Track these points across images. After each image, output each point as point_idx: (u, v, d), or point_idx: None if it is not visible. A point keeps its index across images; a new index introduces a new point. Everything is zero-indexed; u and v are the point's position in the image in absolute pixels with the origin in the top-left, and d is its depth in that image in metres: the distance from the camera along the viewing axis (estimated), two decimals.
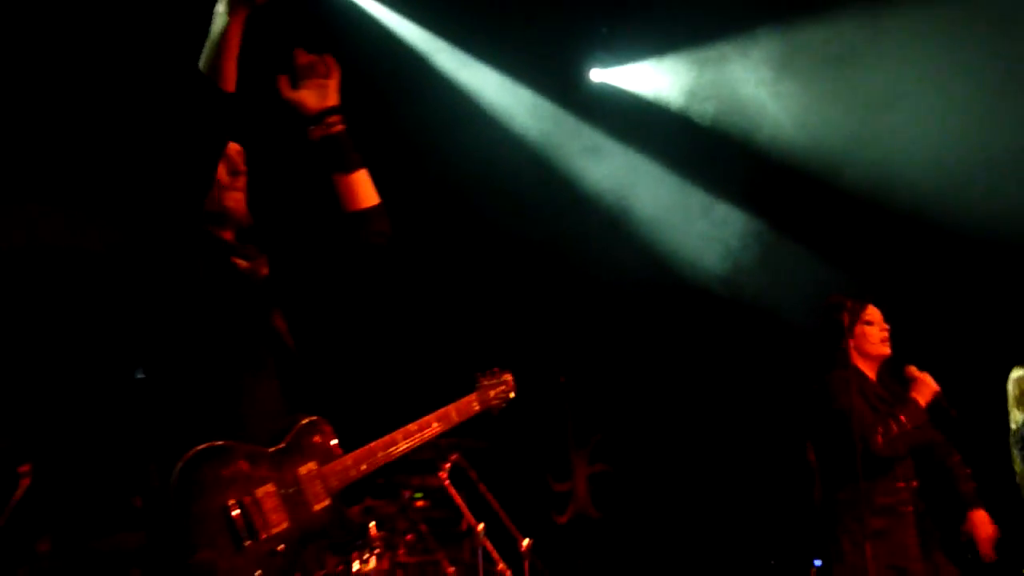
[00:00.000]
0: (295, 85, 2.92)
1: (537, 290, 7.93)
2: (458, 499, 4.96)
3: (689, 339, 8.07)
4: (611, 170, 7.94)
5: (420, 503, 5.50)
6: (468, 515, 4.94)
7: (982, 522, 4.62)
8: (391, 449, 2.94)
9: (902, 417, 4.41)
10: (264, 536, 2.57)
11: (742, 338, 7.76)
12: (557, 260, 7.87)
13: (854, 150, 7.47)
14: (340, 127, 2.93)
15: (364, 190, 2.97)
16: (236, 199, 2.89)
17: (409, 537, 5.28)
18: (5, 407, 5.85)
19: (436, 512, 5.50)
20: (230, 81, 2.69)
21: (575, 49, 7.88)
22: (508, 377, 3.50)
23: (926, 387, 4.56)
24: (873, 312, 4.71)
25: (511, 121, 7.83)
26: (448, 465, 5.03)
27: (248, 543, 2.53)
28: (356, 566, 4.80)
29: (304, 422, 2.78)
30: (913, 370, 4.64)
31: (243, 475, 2.59)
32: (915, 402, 4.49)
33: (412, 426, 3.04)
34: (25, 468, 4.63)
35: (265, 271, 2.94)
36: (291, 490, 2.65)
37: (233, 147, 2.91)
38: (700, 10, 7.31)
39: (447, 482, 4.99)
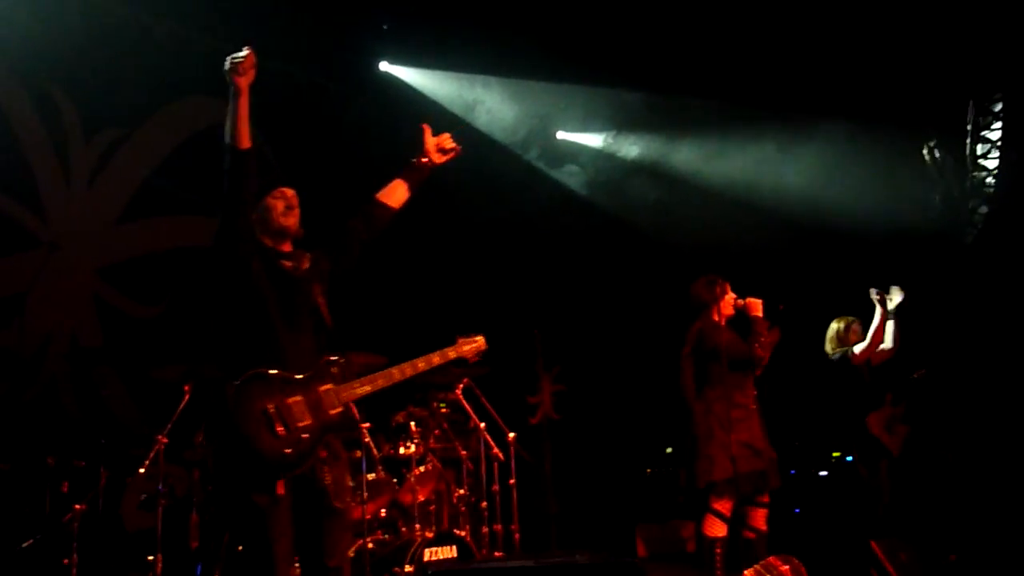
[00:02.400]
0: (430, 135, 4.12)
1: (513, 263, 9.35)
2: (468, 407, 6.49)
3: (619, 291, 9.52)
4: None
5: (443, 410, 6.68)
6: (474, 417, 6.47)
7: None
8: (389, 379, 3.81)
9: (761, 338, 5.49)
10: (293, 427, 3.44)
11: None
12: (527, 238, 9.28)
13: None
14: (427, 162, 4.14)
15: (401, 196, 4.14)
16: (291, 223, 3.79)
17: (436, 432, 6.49)
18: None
19: (454, 416, 6.68)
20: (245, 139, 3.56)
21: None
22: (480, 338, 4.23)
23: (755, 305, 5.61)
24: (725, 285, 5.76)
25: None
26: (461, 385, 6.49)
27: (280, 430, 3.41)
28: (402, 450, 6.15)
29: (325, 360, 3.66)
30: (739, 302, 5.68)
31: (278, 390, 3.47)
32: (758, 318, 5.56)
33: (406, 364, 3.89)
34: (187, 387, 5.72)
35: (306, 265, 3.81)
36: (313, 399, 3.54)
37: (288, 192, 3.80)
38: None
39: (461, 396, 6.50)
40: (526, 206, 9.38)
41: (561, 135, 10.09)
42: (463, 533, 6.07)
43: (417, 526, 5.88)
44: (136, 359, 7.48)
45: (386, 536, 5.91)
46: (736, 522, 5.49)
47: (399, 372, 3.88)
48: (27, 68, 7.21)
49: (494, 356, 6.27)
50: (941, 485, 7.11)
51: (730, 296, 5.75)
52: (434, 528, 6.04)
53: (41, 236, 7.37)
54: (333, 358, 3.68)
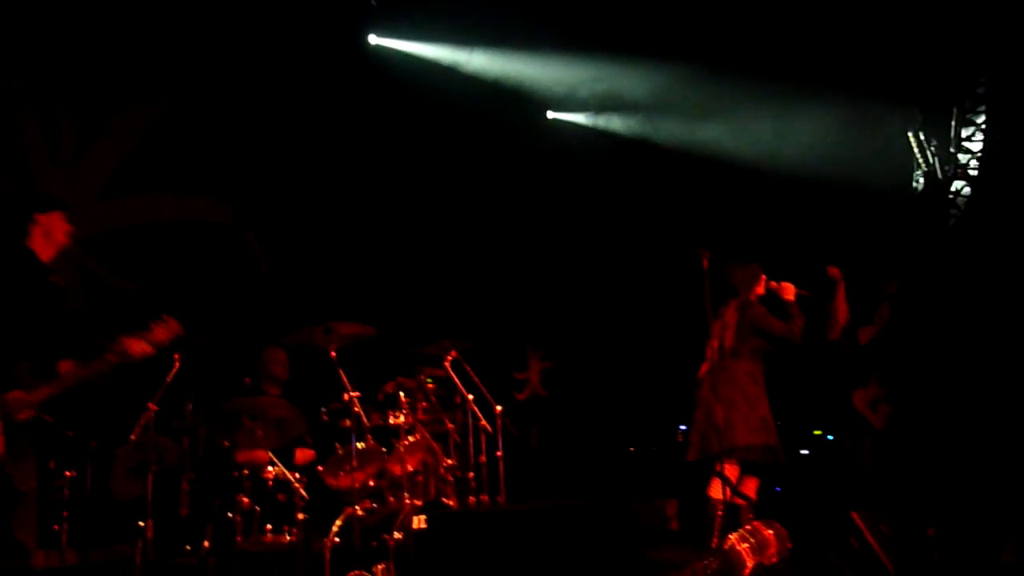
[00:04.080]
0: None
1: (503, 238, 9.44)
2: (456, 380, 6.47)
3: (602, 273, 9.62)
4: None
5: (430, 385, 6.63)
6: (462, 389, 6.46)
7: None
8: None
9: (797, 320, 5.85)
10: None
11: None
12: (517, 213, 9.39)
13: None
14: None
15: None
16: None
17: (424, 404, 6.44)
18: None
19: (441, 390, 6.66)
20: None
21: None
22: (161, 328, 4.71)
23: (788, 289, 5.96)
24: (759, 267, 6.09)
25: None
26: (450, 358, 6.48)
27: None
28: (391, 420, 6.15)
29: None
30: (773, 284, 6.01)
31: None
32: (792, 302, 5.90)
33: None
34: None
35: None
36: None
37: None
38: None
39: (449, 368, 6.48)
40: (515, 181, 9.40)
41: (552, 114, 10.07)
42: (451, 503, 6.14)
43: (405, 495, 5.92)
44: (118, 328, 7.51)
45: (374, 505, 5.95)
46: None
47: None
48: (15, 50, 7.35)
49: (481, 330, 6.42)
50: (921, 461, 7.20)
51: (763, 278, 6.07)
52: (422, 498, 6.09)
53: None
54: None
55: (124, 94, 8.07)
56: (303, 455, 6.28)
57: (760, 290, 6.06)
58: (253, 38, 8.12)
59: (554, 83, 9.31)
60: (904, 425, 7.41)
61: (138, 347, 4.50)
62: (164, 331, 4.58)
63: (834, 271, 6.58)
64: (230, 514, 5.55)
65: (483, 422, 6.50)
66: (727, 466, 5.70)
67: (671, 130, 9.56)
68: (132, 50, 7.85)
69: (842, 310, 6.76)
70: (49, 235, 4.79)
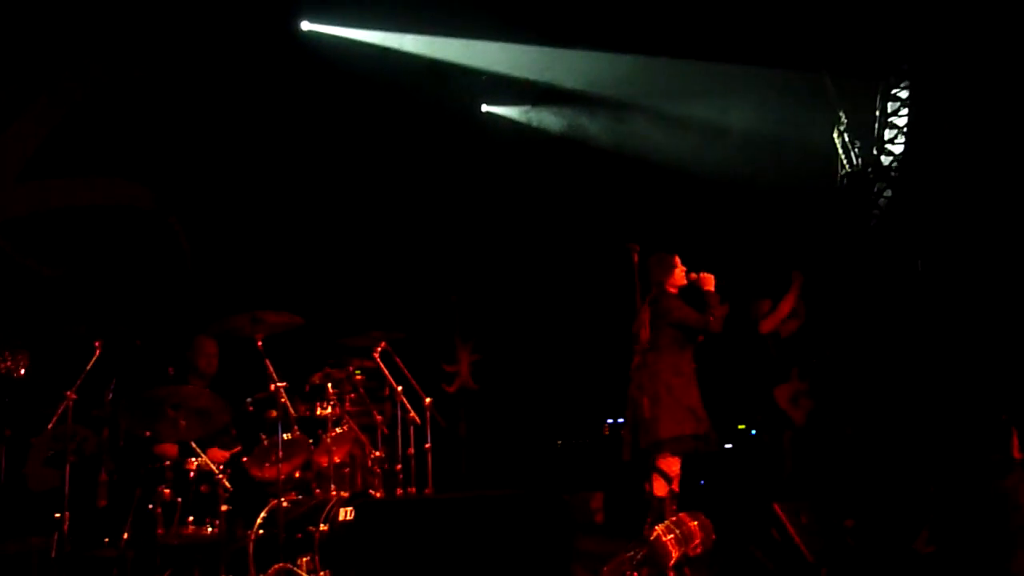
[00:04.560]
0: None
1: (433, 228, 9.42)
2: (385, 371, 6.46)
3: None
4: None
5: (358, 376, 6.66)
6: (391, 381, 6.44)
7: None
8: None
9: (715, 310, 5.85)
10: None
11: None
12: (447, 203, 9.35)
13: None
14: None
15: None
16: None
17: (352, 395, 6.47)
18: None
19: (370, 381, 6.79)
20: None
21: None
22: None
23: (707, 279, 6.01)
24: (677, 260, 6.10)
25: None
26: (379, 349, 6.48)
27: None
28: (318, 411, 6.15)
29: None
30: (692, 275, 6.07)
31: None
32: (711, 292, 5.94)
33: None
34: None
35: None
36: None
37: None
38: None
39: (378, 359, 6.48)
40: (446, 170, 9.36)
41: (485, 108, 10.06)
42: (378, 495, 6.10)
43: (332, 487, 5.86)
44: (40, 315, 7.31)
45: (300, 496, 5.89)
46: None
47: None
48: None
49: (411, 321, 6.38)
50: (840, 455, 7.38)
51: (681, 269, 6.09)
52: (349, 490, 6.04)
53: None
54: None
55: (44, 76, 7.83)
56: (217, 455, 6.04)
57: (679, 281, 6.08)
58: (182, 22, 7.91)
59: (488, 71, 9.20)
60: (824, 420, 7.55)
61: None
62: None
63: (797, 275, 6.72)
64: (151, 506, 5.42)
65: (412, 414, 6.46)
66: (665, 460, 5.74)
67: (603, 124, 9.59)
68: (53, 31, 7.59)
69: (787, 309, 7.01)
70: None
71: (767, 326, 7.27)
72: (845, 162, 8.93)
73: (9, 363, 5.94)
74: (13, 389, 6.58)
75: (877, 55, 8.61)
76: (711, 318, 5.88)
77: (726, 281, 6.05)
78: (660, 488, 5.74)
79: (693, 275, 6.07)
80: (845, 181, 9.01)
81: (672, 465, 5.77)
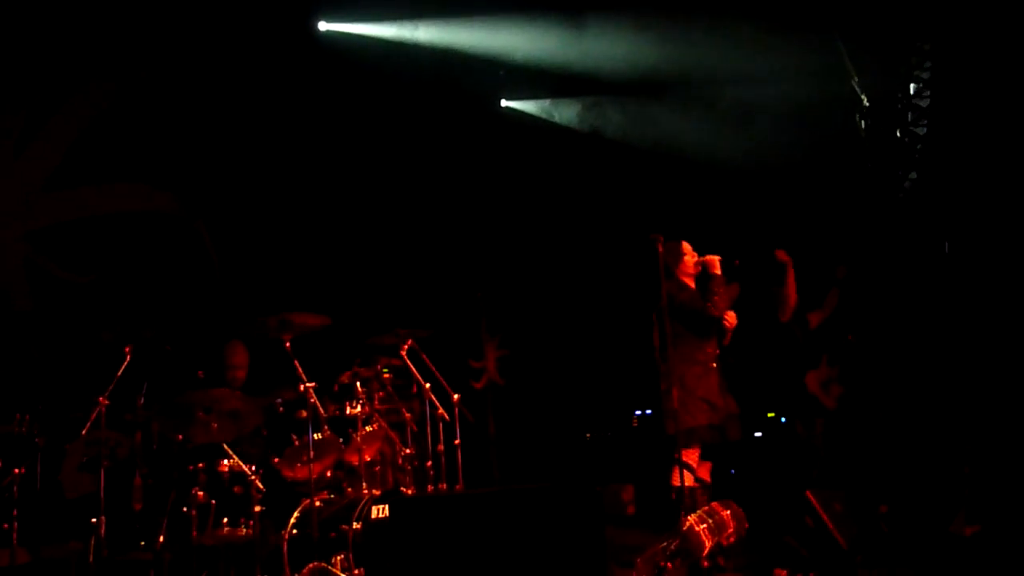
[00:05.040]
0: None
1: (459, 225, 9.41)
2: (412, 369, 6.44)
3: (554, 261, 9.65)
4: None
5: (386, 375, 6.61)
6: (419, 378, 6.41)
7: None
8: None
9: (716, 297, 5.78)
10: None
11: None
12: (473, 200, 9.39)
13: None
14: None
15: None
16: None
17: (380, 393, 6.45)
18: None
19: (398, 379, 6.67)
20: None
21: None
22: None
23: (712, 262, 5.91)
24: (687, 246, 6.11)
25: None
26: (406, 347, 6.45)
27: None
28: (348, 410, 6.15)
29: None
30: (698, 260, 5.97)
31: None
32: (716, 275, 5.85)
33: None
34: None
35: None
36: None
37: None
38: None
39: (406, 357, 6.44)
40: (468, 166, 9.35)
41: (505, 103, 10.05)
42: (409, 492, 6.12)
43: (364, 485, 5.89)
44: (70, 323, 7.39)
45: (332, 496, 5.91)
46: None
47: None
48: None
49: (437, 319, 6.38)
50: (872, 440, 7.34)
51: (690, 256, 6.01)
52: (380, 488, 6.06)
53: None
54: None
55: (69, 83, 7.91)
56: None
57: (689, 268, 6.00)
58: (204, 28, 7.96)
59: (507, 60, 9.14)
60: (856, 405, 7.50)
61: None
62: None
63: (781, 254, 6.64)
64: (185, 508, 5.47)
65: (440, 410, 6.45)
66: (685, 452, 5.68)
67: (622, 112, 9.53)
68: (77, 38, 7.67)
69: (792, 292, 6.91)
70: None
71: (784, 315, 7.20)
72: (864, 97, 8.72)
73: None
74: (46, 396, 6.64)
75: (898, 35, 8.49)
76: (709, 303, 5.79)
77: (735, 263, 5.97)
78: (685, 479, 5.67)
79: (698, 260, 6.00)
80: (869, 164, 8.89)
81: (690, 456, 5.72)
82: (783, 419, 8.76)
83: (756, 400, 8.42)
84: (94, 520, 5.28)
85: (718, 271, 5.89)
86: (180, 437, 5.70)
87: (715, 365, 5.92)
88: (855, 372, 7.60)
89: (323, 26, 8.83)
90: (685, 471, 5.62)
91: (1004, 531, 5.67)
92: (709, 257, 5.94)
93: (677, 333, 5.72)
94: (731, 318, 5.93)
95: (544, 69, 9.15)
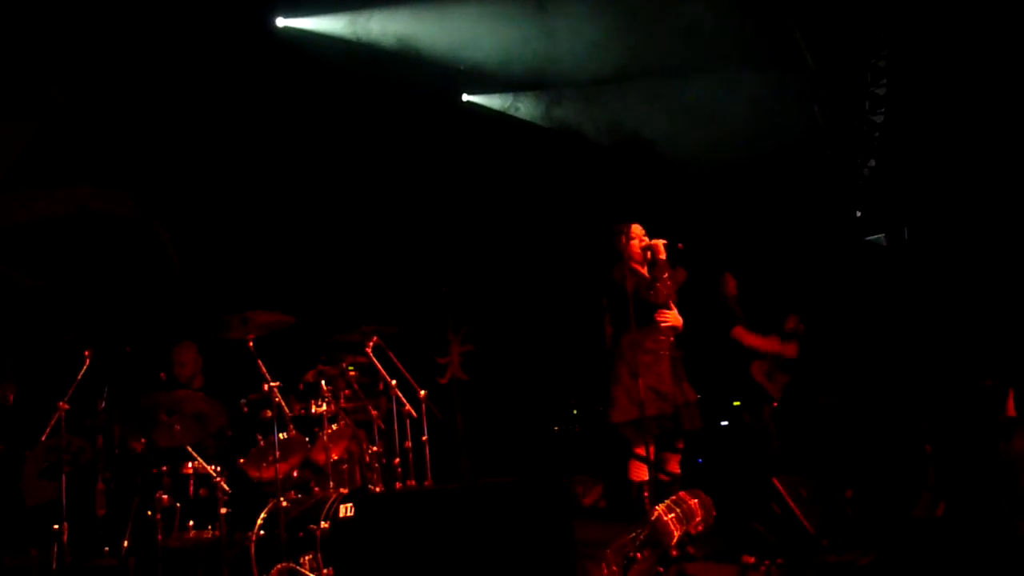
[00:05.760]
0: None
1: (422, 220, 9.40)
2: (378, 366, 6.41)
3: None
4: None
5: (352, 372, 6.55)
6: (384, 375, 6.41)
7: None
8: None
9: (658, 283, 5.71)
10: None
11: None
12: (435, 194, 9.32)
13: None
14: None
15: None
16: None
17: (346, 392, 6.37)
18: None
19: (363, 377, 6.61)
20: None
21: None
22: None
23: (656, 247, 5.85)
24: (636, 229, 6.02)
25: None
26: (371, 344, 6.43)
27: None
28: (314, 408, 6.05)
29: None
30: (645, 244, 5.92)
31: None
32: (662, 261, 5.80)
33: None
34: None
35: None
36: None
37: None
38: None
39: (371, 354, 6.41)
40: (430, 161, 9.30)
41: (466, 97, 10.00)
42: (377, 489, 6.09)
43: (331, 484, 5.85)
44: (28, 327, 7.27)
45: (299, 495, 5.86)
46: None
47: None
48: None
49: (402, 315, 6.33)
50: (832, 425, 7.41)
51: (637, 242, 5.93)
52: (348, 486, 6.02)
53: None
54: None
55: (19, 85, 7.74)
56: None
57: (636, 253, 5.92)
58: (160, 26, 7.83)
59: (468, 57, 9.10)
60: (801, 392, 7.56)
61: None
62: None
63: (796, 324, 7.03)
64: (150, 512, 5.40)
65: (407, 407, 6.43)
66: (635, 445, 5.71)
67: (584, 107, 9.52)
68: (30, 38, 7.50)
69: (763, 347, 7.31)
70: None
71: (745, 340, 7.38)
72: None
73: None
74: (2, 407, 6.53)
75: (855, 24, 8.56)
76: (651, 291, 5.70)
77: (680, 244, 5.85)
78: (639, 472, 5.70)
79: (645, 244, 5.92)
80: (828, 152, 8.97)
81: (643, 449, 5.67)
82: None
83: (720, 389, 8.49)
84: (56, 527, 5.20)
85: (663, 256, 5.82)
86: (143, 441, 5.61)
87: (666, 352, 5.83)
88: (808, 356, 7.60)
89: (281, 22, 8.72)
90: (640, 464, 5.65)
91: (967, 510, 5.73)
92: (654, 241, 5.87)
93: (626, 320, 5.62)
94: (674, 319, 5.88)
95: (505, 63, 9.07)
